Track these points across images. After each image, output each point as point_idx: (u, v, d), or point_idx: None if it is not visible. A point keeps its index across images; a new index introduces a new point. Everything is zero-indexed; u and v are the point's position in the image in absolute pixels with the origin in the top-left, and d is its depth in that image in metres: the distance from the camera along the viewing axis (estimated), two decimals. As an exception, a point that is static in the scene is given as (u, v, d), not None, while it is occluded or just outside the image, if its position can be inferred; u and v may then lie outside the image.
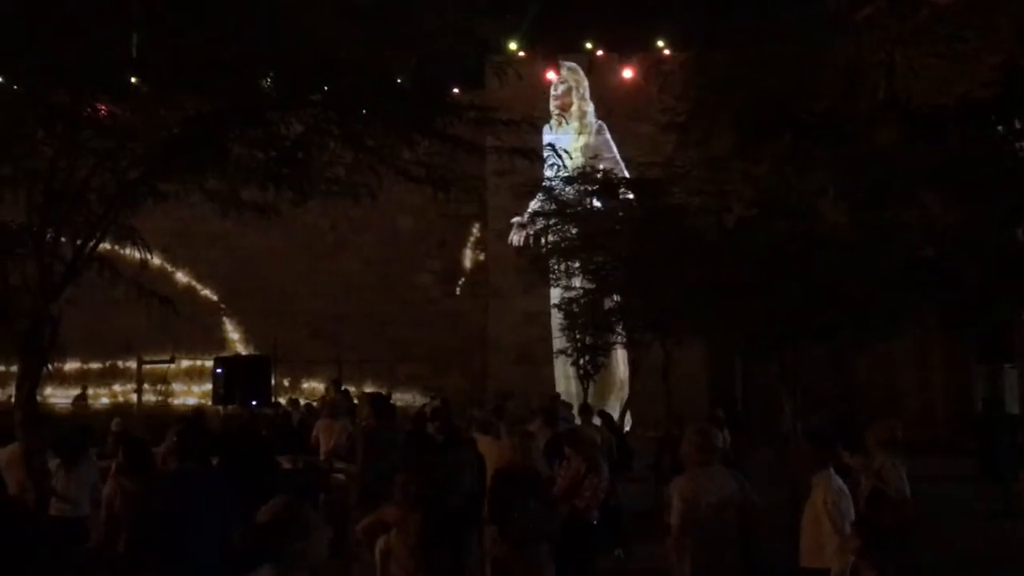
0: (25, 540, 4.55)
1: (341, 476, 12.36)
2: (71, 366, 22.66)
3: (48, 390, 19.71)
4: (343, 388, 17.97)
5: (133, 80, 7.98)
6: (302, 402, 18.87)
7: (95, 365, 24.67)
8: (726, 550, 5.53)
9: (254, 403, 13.76)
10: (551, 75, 25.75)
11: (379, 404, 10.55)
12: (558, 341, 20.15)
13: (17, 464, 7.54)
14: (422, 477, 6.37)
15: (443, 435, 10.10)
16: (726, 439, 10.28)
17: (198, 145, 7.66)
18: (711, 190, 13.08)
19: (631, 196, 16.68)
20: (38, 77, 7.18)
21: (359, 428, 11.06)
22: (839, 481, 6.08)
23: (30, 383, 7.06)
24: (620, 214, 16.56)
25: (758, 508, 5.77)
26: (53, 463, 7.71)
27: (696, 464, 5.68)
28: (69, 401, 22.22)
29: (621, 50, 25.61)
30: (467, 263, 26.91)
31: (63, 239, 7.50)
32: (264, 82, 8.52)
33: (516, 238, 23.73)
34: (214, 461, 7.52)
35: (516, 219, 23.64)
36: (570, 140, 23.18)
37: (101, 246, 7.67)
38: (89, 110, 7.64)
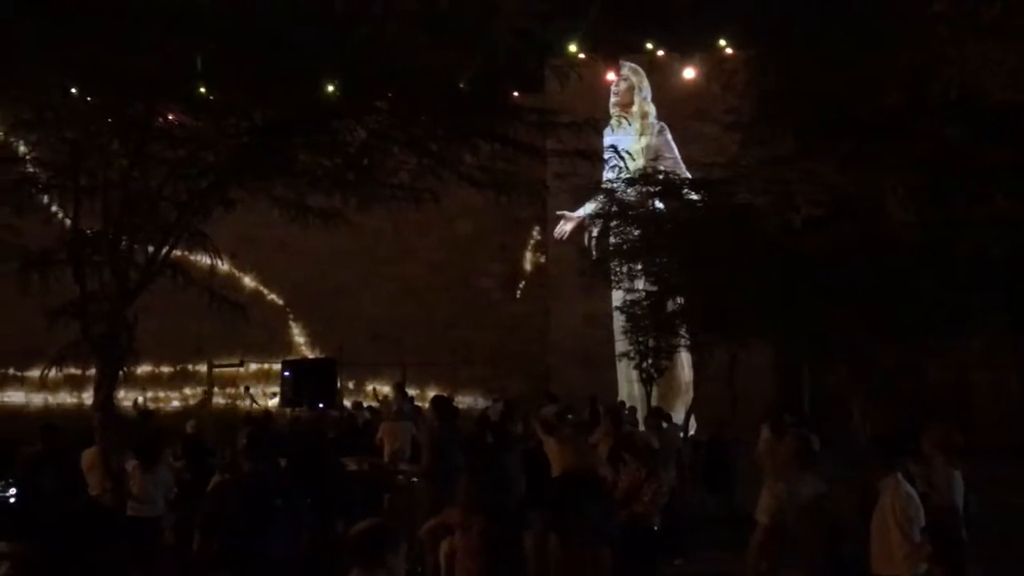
0: (105, 538, 4.68)
1: (403, 477, 12.49)
2: (142, 369, 23.26)
3: (120, 393, 20.28)
4: (406, 391, 18.15)
5: (202, 91, 8.20)
6: (365, 404, 19.09)
7: (166, 369, 25.27)
8: (813, 554, 5.42)
9: (320, 405, 13.94)
10: (611, 76, 25.64)
11: (442, 407, 10.64)
12: (620, 344, 20.01)
13: (98, 466, 7.77)
14: (484, 480, 6.39)
15: (494, 438, 10.13)
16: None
17: (265, 153, 7.84)
18: (776, 190, 12.90)
19: (694, 197, 16.51)
20: (113, 90, 7.43)
21: (424, 431, 11.16)
22: (908, 486, 5.93)
23: (108, 386, 7.29)
24: (683, 215, 16.39)
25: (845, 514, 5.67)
26: (130, 464, 7.91)
27: (794, 468, 5.59)
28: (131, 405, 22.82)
29: (682, 50, 25.36)
30: (527, 266, 26.91)
31: (137, 246, 7.74)
32: (329, 91, 8.69)
33: (566, 227, 23.73)
34: (282, 463, 7.64)
35: (563, 212, 23.63)
36: (631, 141, 23.03)
37: (173, 253, 7.89)
38: (161, 121, 7.88)
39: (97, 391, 7.41)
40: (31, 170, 7.76)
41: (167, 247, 7.73)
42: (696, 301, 16.43)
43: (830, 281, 10.64)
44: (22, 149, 7.98)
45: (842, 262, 10.59)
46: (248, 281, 26.19)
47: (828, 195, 11.00)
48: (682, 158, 23.68)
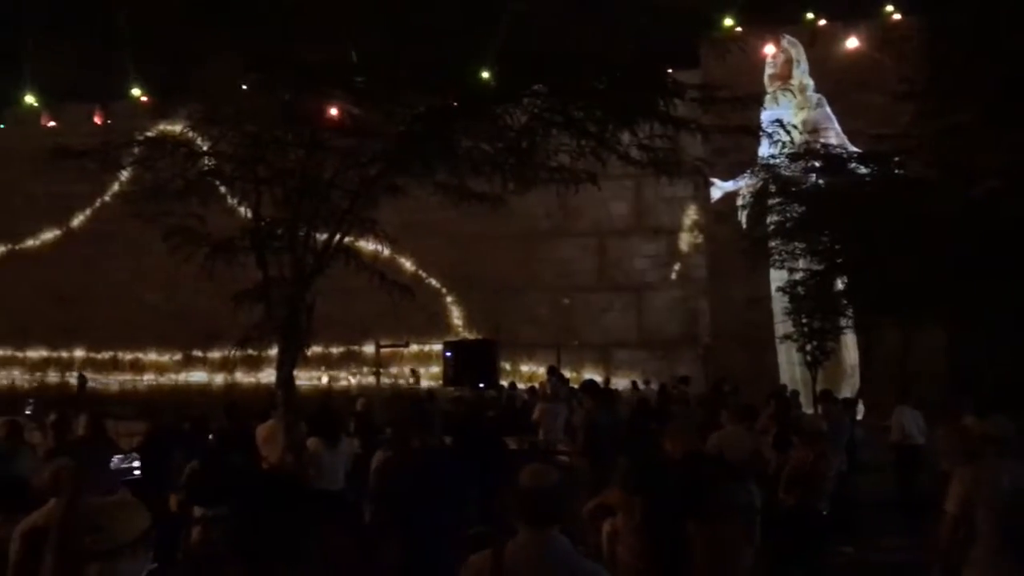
0: (293, 503, 4.90)
1: (564, 458, 12.62)
2: (313, 350, 24.44)
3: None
4: (561, 373, 18.32)
5: (363, 80, 8.47)
6: (520, 385, 19.39)
7: (335, 349, 26.46)
8: (1008, 546, 5.10)
9: (481, 385, 14.25)
10: (768, 49, 24.80)
11: (597, 390, 10.69)
12: (782, 326, 19.40)
13: (273, 439, 8.23)
14: (642, 461, 6.38)
15: (656, 422, 10.09)
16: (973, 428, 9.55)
17: (428, 140, 8.05)
18: (953, 162, 12.11)
19: (862, 171, 15.76)
20: (288, 84, 7.83)
21: (581, 413, 11.23)
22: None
23: (289, 365, 7.71)
24: (850, 190, 15.67)
25: None
26: (311, 441, 8.32)
27: (989, 454, 5.28)
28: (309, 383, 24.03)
29: (845, 18, 24.23)
30: (684, 247, 26.51)
31: (313, 233, 8.13)
32: (488, 76, 8.83)
33: (715, 194, 23.22)
34: (447, 440, 7.87)
35: (714, 180, 23.12)
36: (789, 115, 22.21)
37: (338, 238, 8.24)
38: (332, 112, 8.22)
39: (279, 369, 7.85)
40: (213, 163, 8.26)
41: (340, 233, 8.07)
42: (864, 280, 15.71)
43: (1014, 259, 9.94)
44: (198, 143, 8.50)
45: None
46: (408, 265, 27.01)
47: (1013, 165, 10.23)
48: (843, 131, 22.69)
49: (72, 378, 26.79)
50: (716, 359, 23.49)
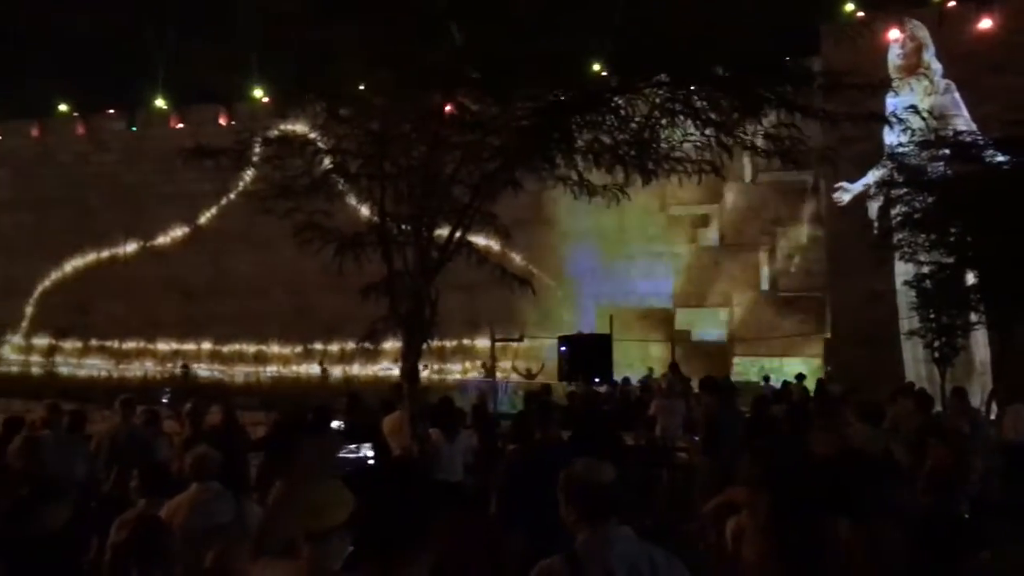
0: (414, 490, 4.97)
1: (683, 455, 12.47)
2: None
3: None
4: (678, 368, 18.09)
5: (484, 76, 8.52)
6: (634, 380, 19.24)
7: (448, 343, 26.83)
8: None
9: (596, 380, 14.20)
10: (892, 34, 23.83)
11: (713, 386, 10.53)
12: (907, 322, 18.66)
13: (399, 431, 8.40)
14: (767, 459, 6.22)
15: (789, 418, 9.86)
16: None
17: (548, 133, 8.04)
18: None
19: (999, 158, 14.95)
20: (412, 82, 7.94)
21: (701, 410, 11.08)
22: None
23: (413, 358, 7.85)
24: (984, 179, 14.89)
25: None
26: (433, 432, 8.46)
27: None
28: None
29: (977, -1, 23.10)
30: (803, 239, 25.74)
31: (436, 227, 8.25)
32: (607, 68, 8.76)
33: (844, 197, 22.48)
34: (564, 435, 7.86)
35: (841, 184, 22.39)
36: (915, 102, 21.32)
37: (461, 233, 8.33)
38: (452, 109, 8.30)
39: (404, 362, 8.00)
40: (339, 159, 8.46)
41: (462, 227, 8.16)
42: (999, 273, 14.92)
43: None
44: (323, 140, 8.72)
45: None
46: (519, 260, 27.16)
47: None
48: (973, 117, 21.62)
49: (200, 369, 28.04)
50: (837, 355, 22.75)
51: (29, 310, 32.56)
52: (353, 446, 9.30)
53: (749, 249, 25.91)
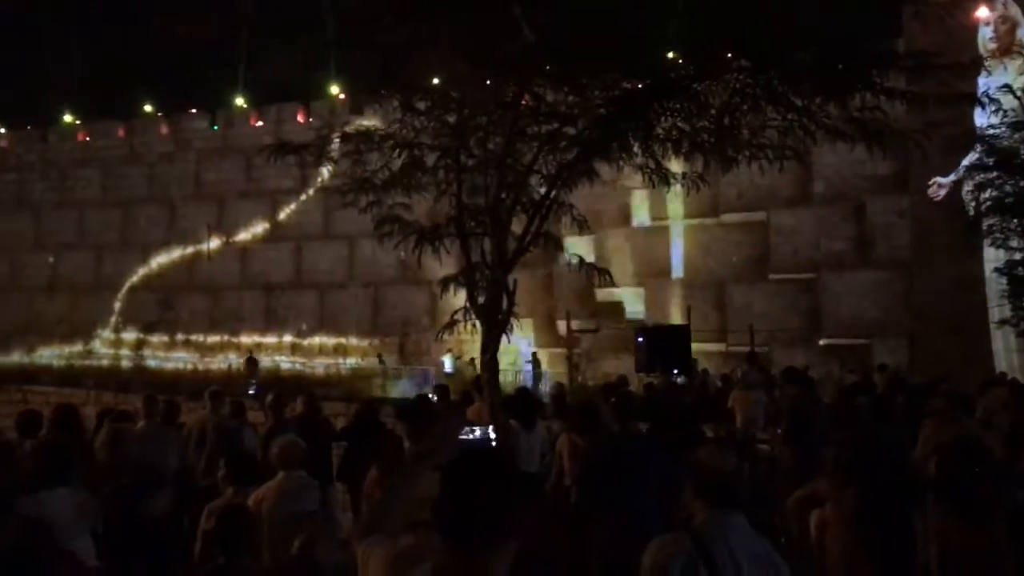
0: (500, 480, 4.97)
1: (765, 447, 12.24)
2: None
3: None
4: (756, 359, 17.77)
5: (561, 66, 8.48)
6: (711, 371, 19.00)
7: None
8: None
9: (675, 371, 14.05)
10: (981, 12, 22.93)
11: (794, 377, 10.34)
12: (999, 310, 17.99)
13: (480, 420, 8.43)
14: (854, 451, 6.06)
15: (875, 408, 9.59)
16: None
17: (626, 122, 7.97)
18: None
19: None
20: (490, 75, 7.98)
21: (782, 401, 10.89)
22: None
23: (492, 348, 7.89)
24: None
25: None
26: (512, 422, 8.47)
27: None
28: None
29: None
30: (885, 226, 24.97)
31: (513, 218, 8.27)
32: (683, 55, 8.63)
33: (940, 192, 21.75)
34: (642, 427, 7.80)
35: (935, 180, 21.65)
36: (1009, 81, 20.48)
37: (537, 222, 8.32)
38: (529, 100, 8.30)
39: (483, 352, 8.05)
40: (418, 153, 8.54)
41: (539, 218, 8.16)
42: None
43: None
44: (401, 134, 8.81)
45: None
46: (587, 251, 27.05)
47: None
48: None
49: (282, 362, 28.65)
50: (922, 346, 22.08)
51: (117, 305, 33.71)
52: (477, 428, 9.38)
53: (832, 235, 25.30)
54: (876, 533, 5.77)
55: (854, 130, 7.78)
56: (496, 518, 2.37)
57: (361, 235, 25.43)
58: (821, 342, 24.09)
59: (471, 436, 3.61)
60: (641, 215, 27.41)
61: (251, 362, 25.65)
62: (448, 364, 24.98)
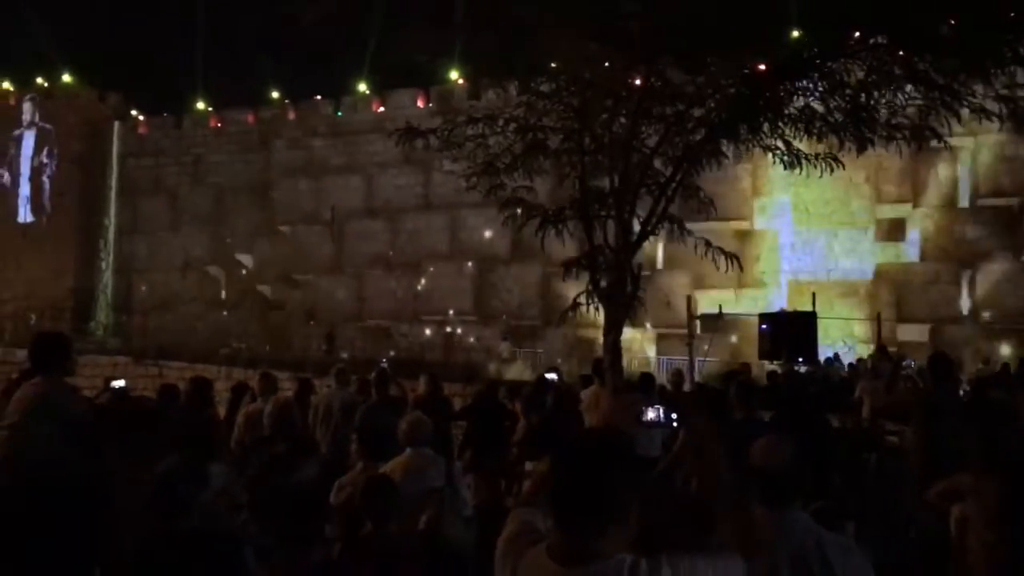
0: (618, 463, 4.98)
1: (893, 439, 11.79)
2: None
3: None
4: (886, 348, 17.13)
5: (688, 46, 8.33)
6: (836, 361, 18.38)
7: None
8: None
9: (800, 360, 13.61)
10: None
11: (939, 366, 9.85)
12: None
13: (596, 406, 8.42)
14: (997, 442, 5.76)
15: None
16: None
17: (755, 102, 7.77)
18: None
19: None
20: (620, 57, 7.92)
21: (914, 391, 10.45)
22: None
23: (615, 331, 7.85)
24: None
25: None
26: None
27: None
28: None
29: None
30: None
31: (638, 201, 8.21)
32: (814, 32, 8.36)
33: None
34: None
35: None
36: None
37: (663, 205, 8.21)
38: (655, 81, 8.19)
39: (606, 335, 8.02)
40: (542, 136, 8.55)
41: (665, 200, 8.06)
42: None
43: None
44: (523, 117, 8.83)
45: None
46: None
47: None
48: None
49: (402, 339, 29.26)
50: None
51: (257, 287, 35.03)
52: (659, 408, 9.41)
53: (964, 222, 24.04)
54: (1021, 530, 5.48)
55: (1003, 109, 7.38)
56: (609, 502, 2.36)
57: (478, 217, 25.81)
58: (952, 331, 22.99)
59: (650, 417, 3.54)
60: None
61: (329, 338, 26.66)
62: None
